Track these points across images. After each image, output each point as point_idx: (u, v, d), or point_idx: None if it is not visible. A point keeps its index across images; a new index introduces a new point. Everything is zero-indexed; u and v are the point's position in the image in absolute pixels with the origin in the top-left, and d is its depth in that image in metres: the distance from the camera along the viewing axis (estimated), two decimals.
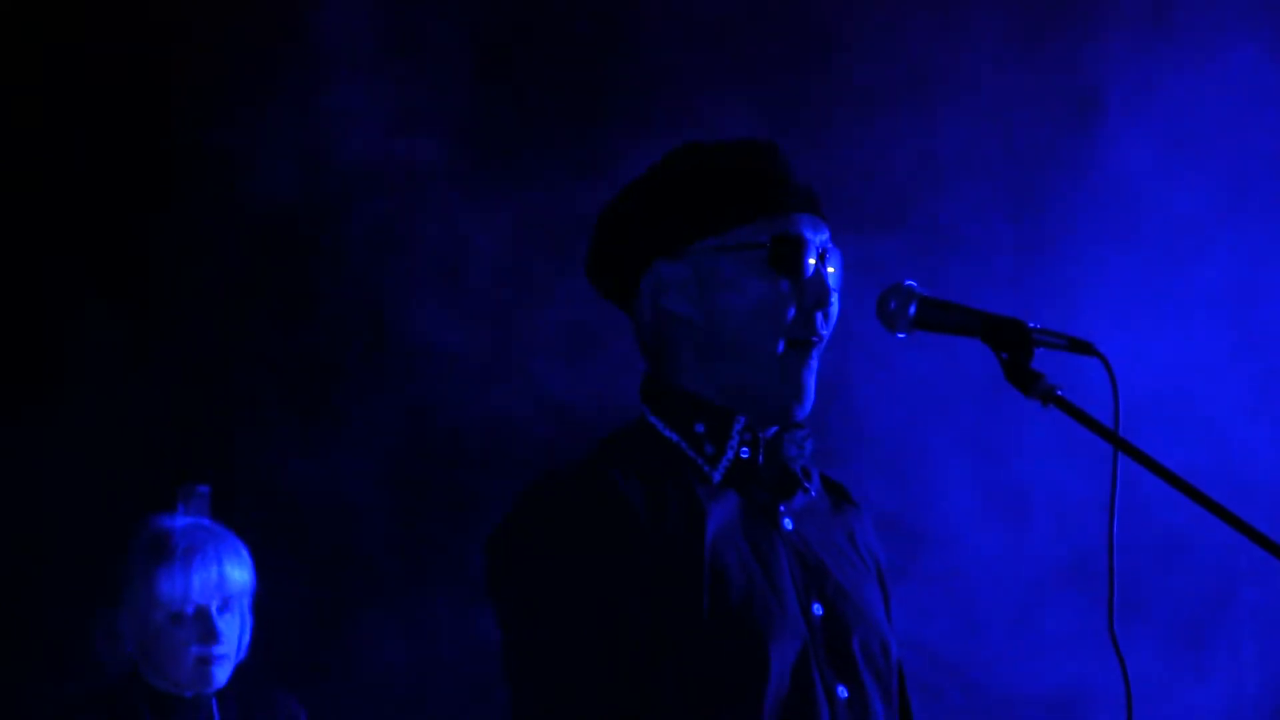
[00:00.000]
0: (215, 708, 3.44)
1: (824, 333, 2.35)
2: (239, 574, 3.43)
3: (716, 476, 2.33)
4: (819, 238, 2.37)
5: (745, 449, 2.34)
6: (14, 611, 4.34)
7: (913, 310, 2.34)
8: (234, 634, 3.43)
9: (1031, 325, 2.32)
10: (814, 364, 2.35)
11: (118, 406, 4.44)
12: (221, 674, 3.41)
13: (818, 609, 2.30)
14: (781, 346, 2.32)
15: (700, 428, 2.34)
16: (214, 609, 3.39)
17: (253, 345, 4.54)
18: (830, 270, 2.37)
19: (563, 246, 4.34)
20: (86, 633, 3.45)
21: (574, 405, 4.38)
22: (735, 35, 4.58)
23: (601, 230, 2.43)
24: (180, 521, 3.45)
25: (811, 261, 2.33)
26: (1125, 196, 4.61)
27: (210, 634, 3.37)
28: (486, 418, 4.50)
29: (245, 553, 3.47)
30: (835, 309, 2.38)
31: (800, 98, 4.55)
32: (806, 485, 2.40)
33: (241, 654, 3.48)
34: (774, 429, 2.37)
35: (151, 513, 3.53)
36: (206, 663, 3.38)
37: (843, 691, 2.26)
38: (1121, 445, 2.28)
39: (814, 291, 2.33)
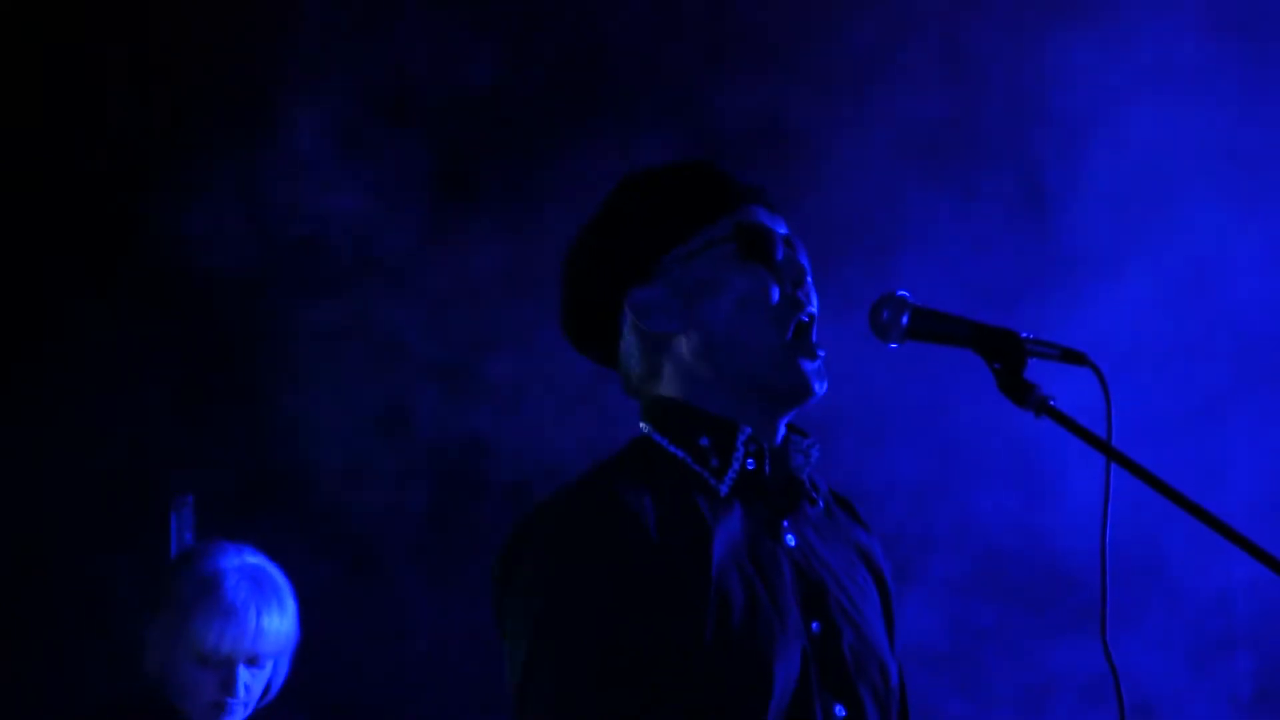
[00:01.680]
0: None
1: (812, 309, 2.35)
2: (276, 630, 3.42)
3: (724, 489, 2.31)
4: (779, 227, 2.38)
5: (751, 460, 2.33)
6: (15, 613, 4.38)
7: (905, 320, 2.34)
8: (257, 686, 3.43)
9: (1024, 335, 2.33)
10: (816, 335, 2.34)
11: (113, 410, 4.47)
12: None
13: (816, 626, 2.28)
14: (780, 333, 2.31)
15: (705, 441, 2.32)
16: (241, 663, 3.38)
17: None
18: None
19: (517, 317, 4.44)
20: (126, 638, 3.49)
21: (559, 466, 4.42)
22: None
23: (568, 280, 2.43)
24: (236, 563, 3.44)
25: (780, 251, 2.34)
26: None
27: (229, 686, 3.37)
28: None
29: (291, 604, 3.46)
30: (814, 293, 2.37)
31: None
32: (814, 495, 2.39)
33: (269, 698, 3.49)
34: (780, 435, 2.36)
35: (210, 542, 3.54)
36: (219, 709, 3.38)
37: (840, 711, 2.26)
38: (1114, 455, 2.29)
39: (789, 272, 2.34)
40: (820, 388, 2.33)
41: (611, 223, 2.39)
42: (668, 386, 2.36)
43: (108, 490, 4.40)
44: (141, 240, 4.51)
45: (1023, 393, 2.30)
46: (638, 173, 2.42)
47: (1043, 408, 2.30)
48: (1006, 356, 2.32)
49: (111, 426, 4.47)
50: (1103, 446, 2.30)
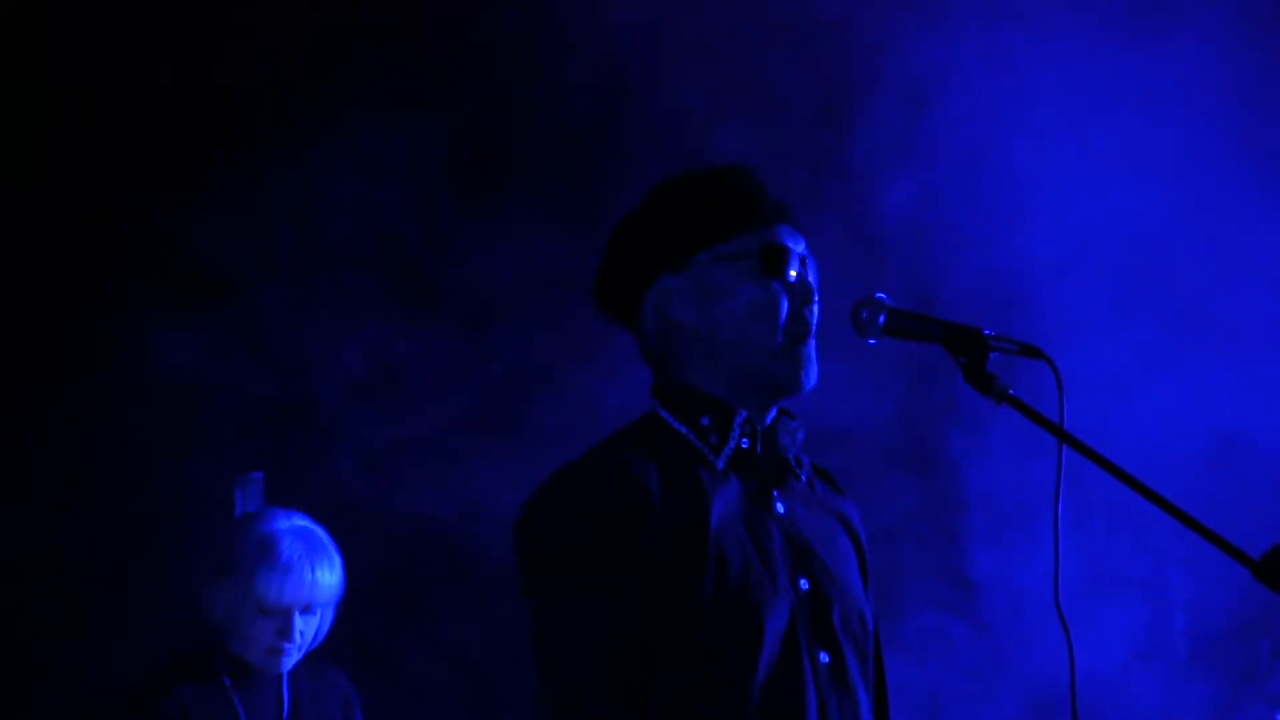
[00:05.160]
0: (285, 677, 3.82)
1: (812, 325, 2.63)
2: (328, 583, 3.77)
3: (720, 464, 2.59)
4: (798, 246, 2.66)
5: (745, 439, 2.61)
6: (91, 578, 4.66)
7: (882, 319, 2.62)
8: (310, 631, 3.78)
9: (987, 332, 2.59)
10: (812, 346, 2.62)
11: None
12: (288, 662, 3.78)
13: (804, 583, 2.57)
14: (780, 338, 2.59)
15: (706, 420, 2.61)
16: (297, 611, 3.73)
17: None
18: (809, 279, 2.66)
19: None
20: (188, 595, 3.84)
21: None
22: None
23: (608, 254, 2.70)
24: (287, 525, 3.78)
25: (794, 272, 2.62)
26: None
27: (287, 632, 3.73)
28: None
29: (338, 560, 3.81)
30: (817, 308, 2.65)
31: None
32: (798, 471, 2.67)
33: (316, 643, 3.84)
34: (770, 418, 2.64)
35: (262, 509, 3.93)
36: (277, 652, 3.74)
37: (824, 657, 2.54)
38: (1066, 438, 2.56)
39: (800, 291, 2.62)
40: (810, 380, 2.61)
41: (655, 215, 2.67)
42: (677, 367, 2.64)
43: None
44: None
45: (985, 383, 2.57)
46: (685, 173, 2.69)
47: (1003, 396, 2.56)
48: (971, 351, 2.58)
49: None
50: (1056, 430, 2.56)
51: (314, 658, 3.86)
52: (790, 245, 2.64)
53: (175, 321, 4.72)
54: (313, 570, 3.74)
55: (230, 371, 4.73)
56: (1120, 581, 4.89)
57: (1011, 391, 2.57)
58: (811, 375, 2.61)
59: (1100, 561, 4.80)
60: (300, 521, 3.82)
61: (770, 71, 4.85)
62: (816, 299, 2.64)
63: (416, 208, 4.82)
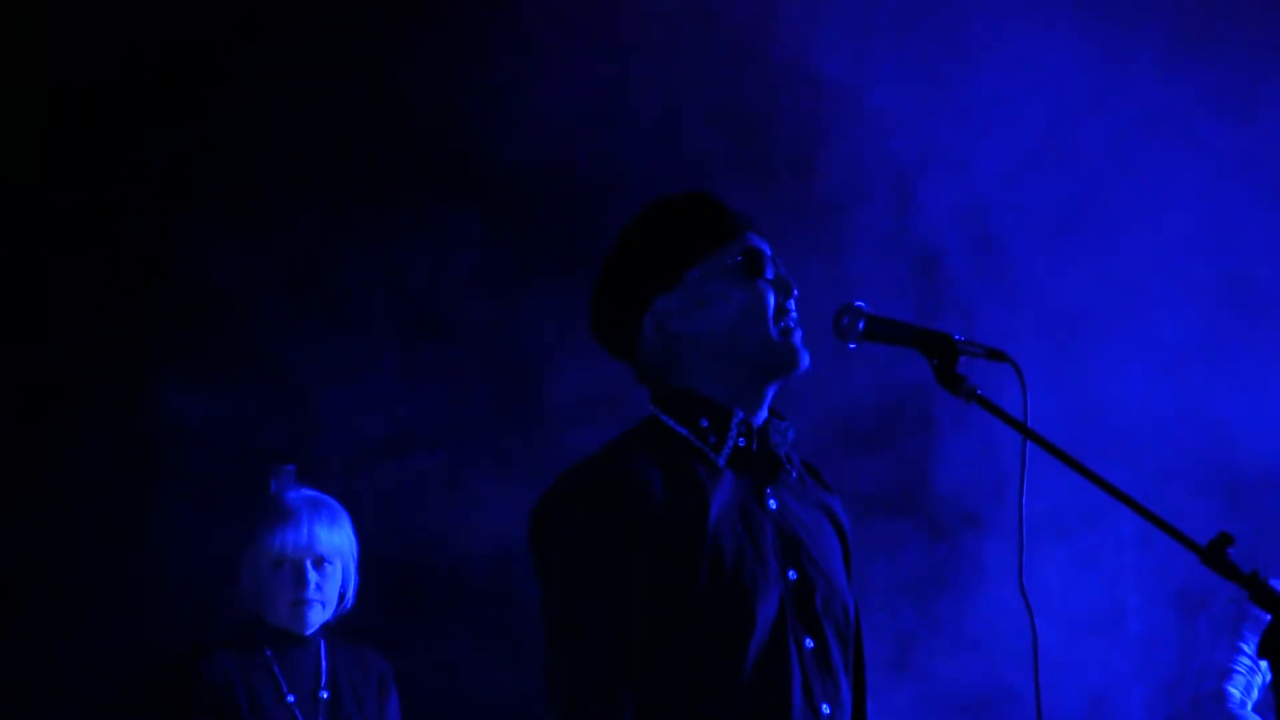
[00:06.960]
0: (324, 649, 4.07)
1: (795, 316, 2.84)
2: (329, 536, 4.04)
3: (721, 461, 2.80)
4: (767, 248, 2.87)
5: (742, 439, 2.81)
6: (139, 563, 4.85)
7: (861, 326, 2.82)
8: (329, 585, 4.04)
9: (957, 338, 2.79)
10: (799, 334, 2.83)
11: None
12: (315, 617, 4.04)
13: (793, 574, 2.77)
14: (772, 330, 2.80)
15: (705, 422, 2.81)
16: (307, 563, 4.00)
17: None
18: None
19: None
20: (229, 575, 4.09)
21: None
22: None
23: (603, 288, 2.90)
24: (296, 494, 4.08)
25: (771, 270, 2.84)
26: None
27: (300, 582, 4.00)
28: None
29: (344, 520, 4.09)
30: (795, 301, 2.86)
31: None
32: (789, 468, 2.87)
33: (346, 605, 4.10)
34: (762, 419, 2.84)
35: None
36: (300, 605, 4.01)
37: (809, 643, 2.75)
38: (1029, 434, 2.76)
39: (780, 286, 2.84)
40: (804, 361, 2.82)
41: (642, 242, 2.87)
42: (678, 377, 2.84)
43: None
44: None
45: (955, 384, 2.77)
46: (657, 203, 2.91)
47: (971, 396, 2.76)
48: (942, 354, 2.78)
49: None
50: (1020, 427, 2.76)
51: (352, 639, 4.09)
52: (764, 249, 2.85)
53: (175, 331, 4.88)
54: (312, 521, 4.02)
55: (231, 395, 4.87)
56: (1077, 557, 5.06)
57: (980, 391, 2.77)
58: (805, 357, 2.82)
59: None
60: (310, 492, 4.10)
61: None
62: (795, 291, 2.85)
63: (430, 254, 4.98)
